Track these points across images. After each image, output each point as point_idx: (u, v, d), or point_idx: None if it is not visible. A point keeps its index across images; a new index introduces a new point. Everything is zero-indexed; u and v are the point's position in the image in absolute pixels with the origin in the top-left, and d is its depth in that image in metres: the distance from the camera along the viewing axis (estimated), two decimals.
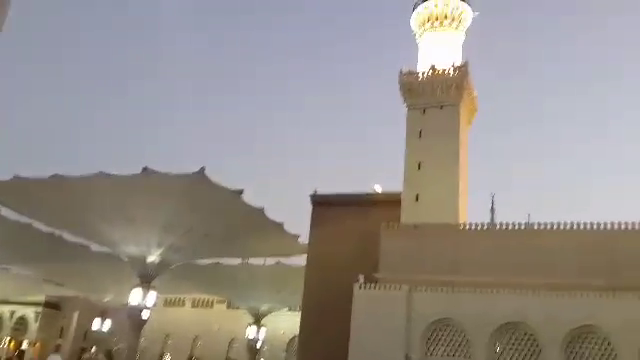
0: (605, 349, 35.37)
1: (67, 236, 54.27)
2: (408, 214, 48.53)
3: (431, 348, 39.44)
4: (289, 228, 48.89)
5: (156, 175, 39.37)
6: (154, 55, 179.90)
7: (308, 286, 52.53)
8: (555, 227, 41.11)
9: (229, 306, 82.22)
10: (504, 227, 42.69)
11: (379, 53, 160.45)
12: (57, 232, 53.54)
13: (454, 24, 58.40)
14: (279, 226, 47.91)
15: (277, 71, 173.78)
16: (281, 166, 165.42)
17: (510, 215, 43.64)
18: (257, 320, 68.99)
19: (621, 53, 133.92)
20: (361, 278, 42.50)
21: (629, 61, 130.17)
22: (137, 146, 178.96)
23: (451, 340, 39.11)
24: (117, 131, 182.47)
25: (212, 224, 45.65)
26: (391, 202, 50.25)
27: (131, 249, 46.20)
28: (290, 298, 64.19)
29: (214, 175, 39.82)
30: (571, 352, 35.98)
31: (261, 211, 44.98)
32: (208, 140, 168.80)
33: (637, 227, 39.31)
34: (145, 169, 38.96)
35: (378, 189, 55.65)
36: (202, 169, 39.33)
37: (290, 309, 72.28)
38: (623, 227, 39.61)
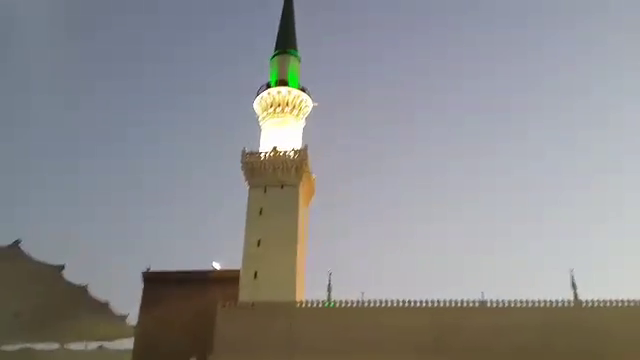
0: None
1: None
2: (246, 292, 47.38)
3: None
4: (118, 308, 44.95)
5: None
6: None
7: None
8: (388, 305, 42.81)
9: None
10: (340, 304, 43.47)
11: (221, 132, 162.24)
12: None
13: (295, 112, 61.24)
14: (104, 305, 43.84)
15: (116, 150, 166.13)
16: (116, 244, 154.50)
17: (347, 293, 44.69)
18: None
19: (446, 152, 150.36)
20: None
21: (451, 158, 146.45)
22: None
23: None
24: None
25: (24, 302, 40.35)
26: (229, 280, 48.86)
27: None
28: None
29: (34, 249, 36.12)
30: None
31: (84, 289, 41.03)
32: (29, 214, 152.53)
33: (459, 305, 42.33)
34: None
35: (217, 266, 54.02)
36: (16, 242, 35.52)
37: None
38: (447, 304, 42.46)
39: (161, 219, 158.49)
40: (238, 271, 49.34)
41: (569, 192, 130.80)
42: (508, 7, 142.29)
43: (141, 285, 52.17)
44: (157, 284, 51.79)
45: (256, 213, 52.77)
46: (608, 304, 40.56)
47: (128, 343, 50.94)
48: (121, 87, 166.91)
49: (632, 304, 40.65)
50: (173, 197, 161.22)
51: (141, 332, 49.44)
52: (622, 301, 40.76)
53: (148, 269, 53.18)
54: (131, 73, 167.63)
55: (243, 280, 48.57)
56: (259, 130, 60.99)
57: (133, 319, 49.39)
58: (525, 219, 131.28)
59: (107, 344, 54.68)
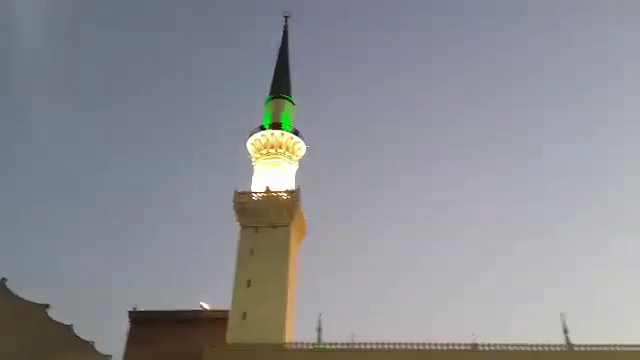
0: None
1: None
2: (235, 333, 46.60)
3: None
4: (102, 348, 43.90)
5: None
6: None
7: None
8: (378, 347, 42.22)
9: None
10: (329, 346, 42.80)
11: (212, 170, 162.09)
12: None
13: (287, 154, 61.84)
14: (88, 345, 42.81)
15: (100, 181, 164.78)
16: (100, 282, 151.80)
17: (338, 333, 44.05)
18: None
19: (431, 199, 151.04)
20: None
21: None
22: None
23: None
24: None
25: (9, 341, 39.45)
26: (218, 320, 48.19)
27: None
28: None
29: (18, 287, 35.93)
30: None
31: (69, 327, 40.36)
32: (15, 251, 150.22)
33: (451, 347, 41.75)
34: None
35: (205, 306, 53.23)
36: (2, 280, 35.28)
37: None
38: (439, 347, 41.90)
39: (149, 257, 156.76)
40: (227, 311, 48.69)
41: (565, 237, 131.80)
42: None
43: (127, 324, 51.35)
44: (143, 324, 50.96)
45: (247, 253, 52.50)
46: (600, 348, 40.15)
47: None
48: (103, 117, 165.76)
49: (624, 348, 40.24)
50: (162, 234, 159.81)
51: None
52: (614, 345, 40.38)
53: (135, 308, 52.40)
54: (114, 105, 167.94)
55: (232, 321, 47.85)
56: (252, 171, 61.43)
57: (118, 359, 48.23)
58: (519, 263, 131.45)
59: None
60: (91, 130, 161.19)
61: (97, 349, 43.50)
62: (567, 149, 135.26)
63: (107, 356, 46.04)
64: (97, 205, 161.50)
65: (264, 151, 61.45)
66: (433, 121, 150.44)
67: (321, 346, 43.27)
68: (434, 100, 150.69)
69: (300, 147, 63.02)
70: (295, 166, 62.66)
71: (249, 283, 50.23)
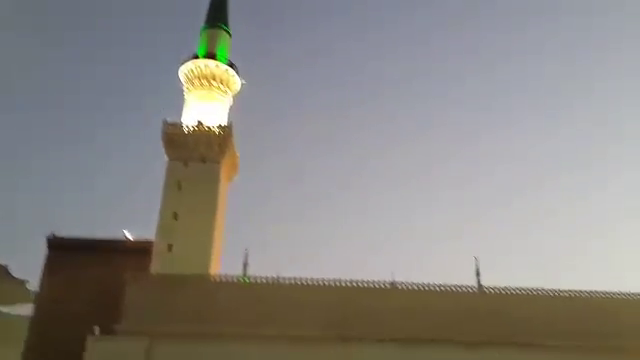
0: None
1: None
2: (159, 264, 46.27)
3: None
4: (18, 273, 42.52)
5: None
6: None
7: (32, 340, 45.29)
8: (301, 282, 43.17)
9: None
10: (254, 280, 43.37)
11: (141, 101, 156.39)
12: None
13: (222, 87, 60.20)
14: (2, 268, 41.32)
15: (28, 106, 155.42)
16: (22, 209, 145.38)
17: (264, 271, 44.58)
18: None
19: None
20: (97, 330, 38.50)
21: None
22: None
23: None
24: None
25: None
26: (141, 250, 47.52)
27: None
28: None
29: None
30: None
31: None
32: None
33: (367, 285, 43.39)
34: None
35: (129, 236, 52.19)
36: None
37: None
38: (358, 285, 43.44)
39: (74, 186, 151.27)
40: (151, 242, 48.06)
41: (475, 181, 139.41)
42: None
43: (45, 251, 49.59)
44: (63, 251, 49.34)
45: (174, 186, 51.49)
46: (509, 291, 43.04)
47: (27, 309, 48.36)
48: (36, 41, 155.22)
49: (534, 292, 43.22)
50: (90, 164, 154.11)
51: (42, 298, 46.99)
52: (524, 289, 43.31)
53: (53, 234, 50.57)
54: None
55: (156, 251, 47.36)
56: (183, 101, 59.53)
57: (34, 285, 46.87)
58: (435, 206, 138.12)
59: (3, 308, 51.48)
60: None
61: (12, 274, 42.14)
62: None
63: (23, 281, 44.76)
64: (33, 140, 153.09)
65: (197, 82, 59.48)
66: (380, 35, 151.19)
67: (246, 279, 43.77)
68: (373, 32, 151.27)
69: (235, 81, 61.39)
70: (229, 101, 61.23)
71: (175, 216, 49.55)
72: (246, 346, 38.21)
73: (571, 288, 43.49)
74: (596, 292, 43.91)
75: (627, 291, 44.10)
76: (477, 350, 39.24)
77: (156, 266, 46.17)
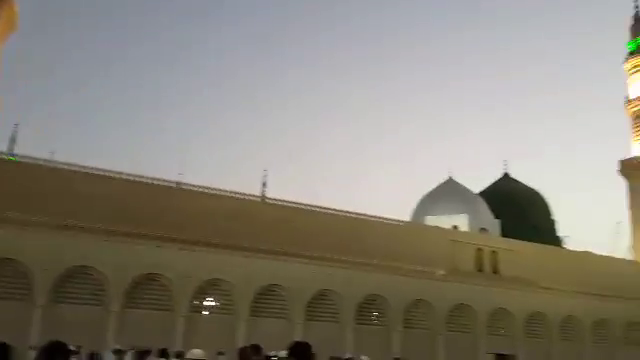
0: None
1: None
2: None
3: None
4: None
5: None
6: None
7: None
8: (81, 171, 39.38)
9: None
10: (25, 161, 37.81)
11: None
12: None
13: None
14: None
15: None
16: None
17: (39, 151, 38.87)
18: None
19: None
20: None
21: None
22: None
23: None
24: None
25: None
26: None
27: None
28: None
29: None
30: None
31: None
32: None
33: (152, 182, 41.82)
34: None
35: None
36: None
37: None
38: (143, 180, 41.58)
39: None
40: None
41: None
42: None
43: None
44: None
45: None
46: (291, 204, 45.97)
47: None
48: None
49: (315, 209, 46.72)
50: None
51: None
52: (310, 205, 46.10)
53: None
54: None
55: None
56: None
57: None
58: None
59: None
60: None
61: None
62: None
63: None
64: None
65: None
66: None
67: (13, 158, 37.85)
68: None
69: None
70: None
71: None
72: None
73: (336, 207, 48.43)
74: (351, 212, 49.80)
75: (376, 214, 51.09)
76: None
77: None
